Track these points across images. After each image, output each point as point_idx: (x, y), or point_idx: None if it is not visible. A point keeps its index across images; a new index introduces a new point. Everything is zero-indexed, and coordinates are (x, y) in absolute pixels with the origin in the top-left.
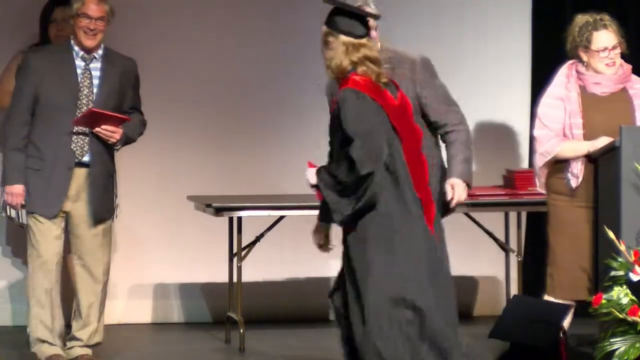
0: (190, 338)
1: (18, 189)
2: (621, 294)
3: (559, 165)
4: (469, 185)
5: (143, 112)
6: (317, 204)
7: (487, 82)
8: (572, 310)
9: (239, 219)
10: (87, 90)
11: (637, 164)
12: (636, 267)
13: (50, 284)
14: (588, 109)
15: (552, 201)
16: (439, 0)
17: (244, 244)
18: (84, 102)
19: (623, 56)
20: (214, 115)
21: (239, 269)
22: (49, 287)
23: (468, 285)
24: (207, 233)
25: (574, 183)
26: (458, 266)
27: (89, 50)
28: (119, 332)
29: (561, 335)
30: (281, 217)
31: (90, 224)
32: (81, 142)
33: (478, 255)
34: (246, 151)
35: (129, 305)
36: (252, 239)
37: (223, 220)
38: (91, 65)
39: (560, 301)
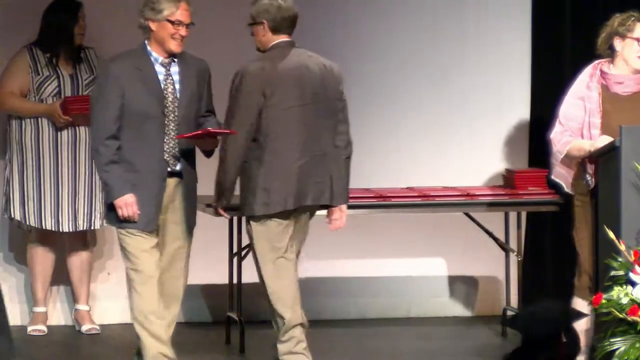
0: (190, 338)
1: (129, 197)
2: (621, 294)
3: (581, 166)
4: None
5: None
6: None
7: (487, 82)
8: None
9: (239, 219)
10: (171, 96)
11: (637, 164)
12: (636, 267)
13: (156, 302)
14: (608, 109)
15: (576, 202)
16: (440, 2)
17: (244, 244)
18: (170, 108)
19: None
20: None
21: (239, 269)
22: (156, 307)
23: (468, 285)
24: (207, 233)
25: (591, 183)
26: (458, 266)
27: (168, 55)
28: (119, 332)
29: (563, 337)
30: None
31: (179, 235)
32: (172, 151)
33: (478, 255)
34: None
35: (129, 305)
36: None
37: (223, 220)
38: (171, 70)
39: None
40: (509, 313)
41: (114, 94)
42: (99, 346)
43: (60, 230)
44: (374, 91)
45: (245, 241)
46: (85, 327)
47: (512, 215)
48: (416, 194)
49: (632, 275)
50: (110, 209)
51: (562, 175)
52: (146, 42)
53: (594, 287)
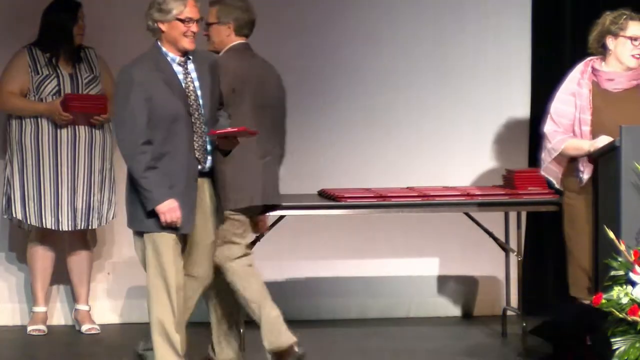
0: (190, 338)
1: (172, 203)
2: (621, 294)
3: (572, 163)
4: None
5: None
6: (316, 204)
7: (487, 82)
8: None
9: None
10: (193, 95)
11: (637, 164)
12: (636, 267)
13: (179, 315)
14: (598, 106)
15: (567, 199)
16: (440, 1)
17: None
18: (194, 107)
19: None
20: None
21: None
22: (178, 319)
23: (468, 285)
24: None
25: (582, 180)
26: (458, 266)
27: (182, 54)
28: (119, 332)
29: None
30: (281, 217)
31: (210, 233)
32: (201, 149)
33: (478, 255)
34: None
35: (129, 305)
36: (252, 238)
37: None
38: (188, 68)
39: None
40: (509, 313)
41: (140, 99)
42: (99, 346)
43: (60, 228)
44: (374, 91)
45: None
46: (85, 327)
47: (512, 215)
48: (416, 194)
49: (632, 275)
50: (149, 215)
51: (552, 172)
52: (159, 43)
53: (593, 285)
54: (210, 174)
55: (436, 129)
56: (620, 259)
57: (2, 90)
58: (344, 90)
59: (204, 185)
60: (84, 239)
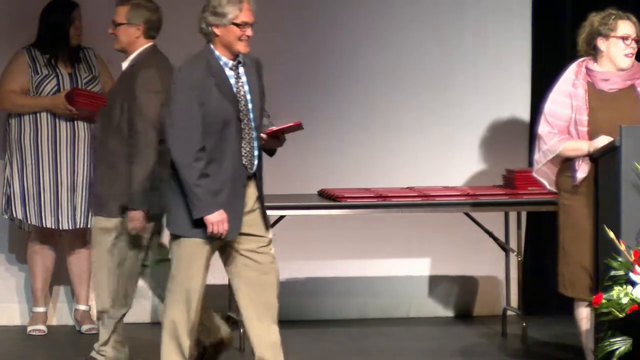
0: None
1: (222, 214)
2: (621, 294)
3: (566, 163)
4: None
5: None
6: (316, 204)
7: (487, 82)
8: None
9: None
10: (243, 100)
11: (637, 164)
12: (636, 267)
13: (195, 321)
14: (594, 106)
15: (561, 199)
16: (440, 1)
17: None
18: (244, 112)
19: None
20: None
21: None
22: (193, 326)
23: (468, 285)
24: None
25: (575, 180)
26: (458, 266)
27: (236, 57)
28: None
29: None
30: (281, 217)
31: (263, 235)
32: (249, 155)
33: (478, 255)
34: None
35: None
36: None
37: None
38: (239, 72)
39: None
40: (509, 313)
41: (194, 104)
42: None
43: (60, 227)
44: (374, 91)
45: None
46: (85, 327)
47: (512, 215)
48: (416, 194)
49: (632, 275)
50: (188, 220)
51: (545, 173)
52: (212, 46)
53: (593, 286)
54: (255, 178)
55: (436, 129)
56: (620, 259)
57: (3, 89)
58: (343, 90)
59: (251, 189)
60: (84, 238)
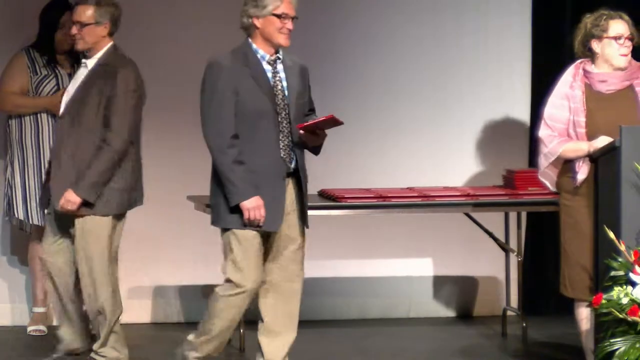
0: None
1: (258, 200)
2: (621, 294)
3: (567, 164)
4: None
5: (147, 112)
6: (316, 204)
7: (487, 82)
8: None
9: None
10: (281, 93)
11: (637, 164)
12: (636, 267)
13: (238, 320)
14: (592, 107)
15: (563, 200)
16: (439, 1)
17: None
18: (281, 105)
19: None
20: None
21: None
22: (235, 324)
23: (468, 285)
24: (207, 233)
25: (576, 181)
26: (458, 266)
27: (274, 53)
28: None
29: None
30: None
31: (296, 237)
32: (287, 149)
33: (478, 255)
34: None
35: (129, 305)
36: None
37: None
38: (277, 67)
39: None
40: (509, 313)
41: (228, 91)
42: None
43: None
44: (374, 90)
45: None
46: None
47: (512, 215)
48: (416, 194)
49: (632, 276)
50: (232, 211)
51: (548, 175)
52: (250, 40)
53: (593, 287)
54: (295, 174)
55: (436, 129)
56: (620, 259)
57: (3, 91)
58: (343, 90)
59: (291, 186)
60: None
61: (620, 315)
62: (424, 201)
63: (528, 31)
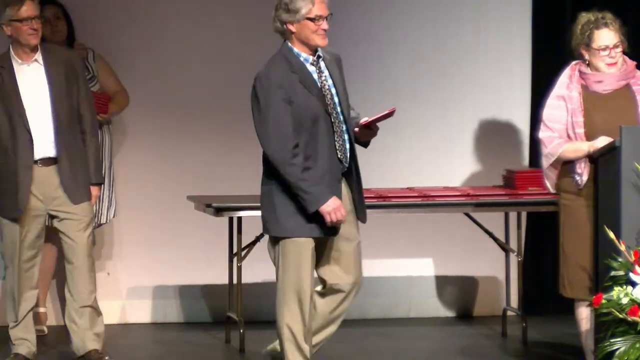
0: (190, 338)
1: (335, 201)
2: (621, 294)
3: (567, 165)
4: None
5: (147, 112)
6: None
7: (487, 82)
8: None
9: (239, 219)
10: (329, 94)
11: (637, 164)
12: (636, 267)
13: (309, 323)
14: (590, 108)
15: (563, 200)
16: (440, 0)
17: (244, 244)
18: (331, 106)
19: (625, 53)
20: (214, 115)
21: (239, 269)
22: (308, 328)
23: (468, 285)
24: (207, 233)
25: (580, 182)
26: (458, 266)
27: (316, 51)
28: (119, 332)
29: None
30: None
31: (353, 235)
32: (342, 149)
33: (478, 255)
34: (246, 151)
35: (129, 305)
36: (252, 239)
37: (223, 220)
38: (321, 67)
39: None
40: (509, 313)
41: (282, 102)
42: None
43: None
44: (374, 90)
45: (245, 241)
46: None
47: (512, 215)
48: (416, 194)
49: (632, 276)
50: (288, 219)
51: (549, 176)
52: (289, 44)
53: (593, 286)
54: (347, 174)
55: (436, 129)
56: (620, 260)
57: None
58: None
59: (347, 186)
60: None
61: (620, 315)
62: (424, 201)
63: (528, 31)
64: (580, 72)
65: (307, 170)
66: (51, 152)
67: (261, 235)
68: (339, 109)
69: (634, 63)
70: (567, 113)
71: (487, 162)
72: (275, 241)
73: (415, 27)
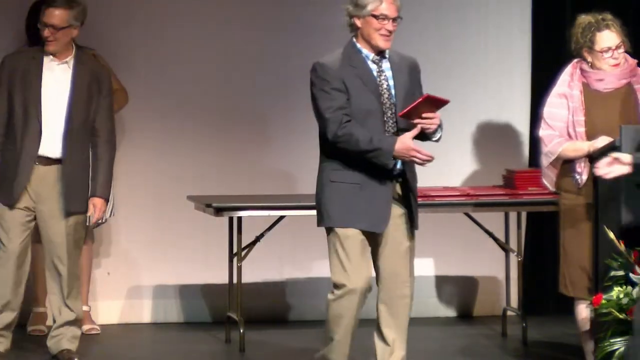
0: (190, 338)
1: (402, 142)
2: (621, 294)
3: (567, 164)
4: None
5: (147, 112)
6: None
7: (487, 82)
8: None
9: (239, 219)
10: (387, 92)
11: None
12: (636, 267)
13: (357, 315)
14: (591, 106)
15: (563, 200)
16: (441, 1)
17: (244, 244)
18: (387, 105)
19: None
20: (214, 115)
21: (239, 269)
22: (353, 326)
23: (468, 285)
24: (207, 233)
25: (580, 181)
26: (458, 266)
27: (379, 52)
28: (119, 332)
29: None
30: (281, 217)
31: (405, 237)
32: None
33: (478, 255)
34: (246, 151)
35: (129, 305)
36: (252, 239)
37: (223, 220)
38: (383, 66)
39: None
40: (509, 313)
41: (337, 86)
42: (99, 346)
43: None
44: None
45: (245, 241)
46: (85, 327)
47: (512, 215)
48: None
49: (632, 276)
50: (332, 210)
51: (547, 175)
52: (354, 39)
53: (593, 286)
54: (401, 174)
55: None
56: (620, 260)
57: None
58: None
59: (396, 187)
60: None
61: (620, 316)
62: (424, 201)
63: (528, 32)
64: (582, 70)
65: (363, 133)
66: (57, 152)
67: (261, 235)
68: (394, 110)
69: (635, 61)
70: (568, 111)
71: (487, 162)
72: (327, 233)
73: (416, 28)
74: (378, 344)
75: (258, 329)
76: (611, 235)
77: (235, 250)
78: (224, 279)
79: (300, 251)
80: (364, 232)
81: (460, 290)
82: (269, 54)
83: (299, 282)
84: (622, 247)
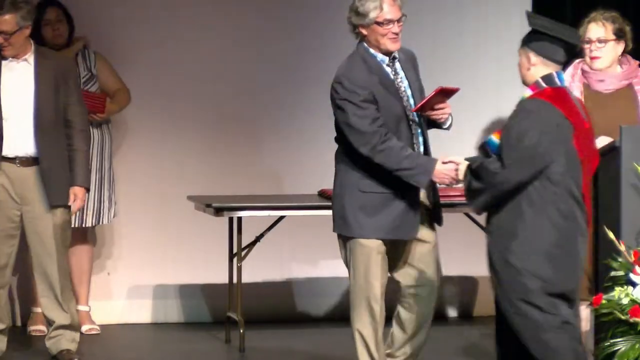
0: (190, 338)
1: (439, 165)
2: (621, 294)
3: None
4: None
5: (147, 112)
6: (316, 204)
7: (487, 82)
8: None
9: (239, 219)
10: (405, 95)
11: (637, 164)
12: (636, 267)
13: (380, 325)
14: (591, 107)
15: None
16: (440, 2)
17: (244, 244)
18: (408, 107)
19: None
20: (214, 115)
21: (239, 269)
22: (379, 330)
23: (468, 285)
24: (207, 233)
25: None
26: (458, 266)
27: (390, 54)
28: (119, 332)
29: None
30: (281, 217)
31: (429, 236)
32: (419, 149)
33: (478, 255)
34: (246, 151)
35: (129, 305)
36: (252, 239)
37: (223, 220)
38: (396, 68)
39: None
40: None
41: (366, 102)
42: (99, 346)
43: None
44: None
45: (245, 241)
46: (85, 327)
47: None
48: None
49: (632, 276)
50: (355, 219)
51: None
52: (365, 44)
53: (593, 287)
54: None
55: (436, 129)
56: (620, 260)
57: None
58: None
59: (422, 191)
60: (85, 239)
61: (621, 316)
62: None
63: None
64: (583, 71)
65: (400, 148)
66: (31, 150)
67: (261, 235)
68: (410, 109)
69: (637, 62)
70: None
71: None
72: (344, 241)
73: (416, 29)
74: (396, 329)
75: (258, 329)
76: (611, 235)
77: (235, 250)
78: (224, 279)
79: (300, 251)
80: (390, 240)
81: (460, 290)
82: (271, 56)
83: (299, 282)
84: (622, 247)
